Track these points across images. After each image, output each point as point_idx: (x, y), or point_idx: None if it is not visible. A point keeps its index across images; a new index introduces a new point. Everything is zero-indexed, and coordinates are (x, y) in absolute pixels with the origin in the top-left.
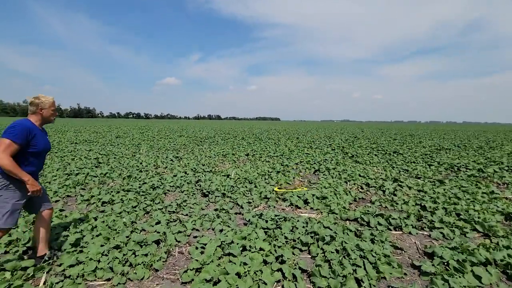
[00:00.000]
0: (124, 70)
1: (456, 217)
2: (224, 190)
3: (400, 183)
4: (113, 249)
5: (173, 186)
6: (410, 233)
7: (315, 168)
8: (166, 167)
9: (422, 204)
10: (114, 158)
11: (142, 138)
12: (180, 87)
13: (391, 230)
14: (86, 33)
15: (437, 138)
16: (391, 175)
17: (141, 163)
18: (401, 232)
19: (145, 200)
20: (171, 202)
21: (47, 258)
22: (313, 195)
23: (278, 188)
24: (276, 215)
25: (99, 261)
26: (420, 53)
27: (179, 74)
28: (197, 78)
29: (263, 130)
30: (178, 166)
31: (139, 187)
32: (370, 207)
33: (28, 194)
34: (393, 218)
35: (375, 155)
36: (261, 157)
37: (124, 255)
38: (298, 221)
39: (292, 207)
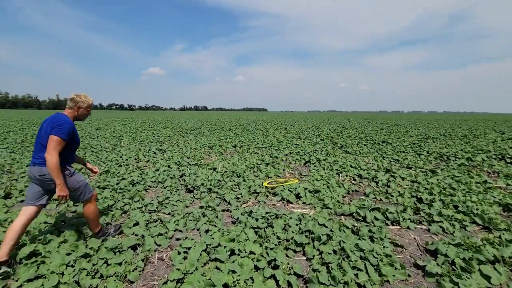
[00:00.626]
0: (106, 60)
1: (454, 209)
2: (211, 185)
3: (392, 174)
4: (81, 259)
5: (155, 181)
6: (408, 227)
7: (305, 160)
8: (148, 160)
9: (418, 196)
10: (92, 151)
11: (124, 130)
12: (165, 78)
13: (388, 225)
14: (65, 21)
15: (422, 127)
16: (382, 165)
17: (121, 157)
18: (399, 227)
19: (123, 198)
20: (152, 200)
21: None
22: (305, 188)
23: (268, 183)
24: (267, 212)
25: (62, 273)
26: (406, 44)
27: (164, 64)
28: (182, 68)
29: (251, 121)
30: (162, 159)
31: (117, 183)
32: (365, 200)
33: (54, 197)
34: (390, 212)
35: (365, 145)
36: (249, 148)
37: (93, 265)
38: (290, 218)
39: (283, 202)
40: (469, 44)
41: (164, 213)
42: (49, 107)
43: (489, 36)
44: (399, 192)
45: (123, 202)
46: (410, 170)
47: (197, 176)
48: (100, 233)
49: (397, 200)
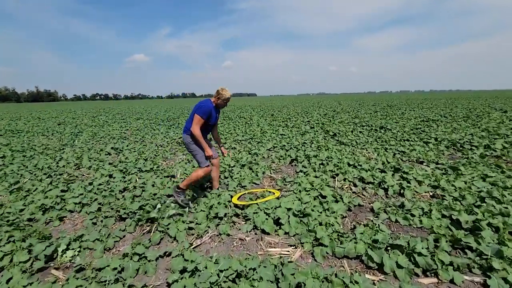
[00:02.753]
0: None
1: None
2: (155, 207)
3: (404, 175)
4: None
5: (79, 202)
6: (452, 282)
7: (291, 157)
8: (91, 166)
9: (453, 217)
10: (31, 154)
11: (91, 123)
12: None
13: (418, 275)
14: (39, 5)
15: (417, 108)
16: (387, 161)
17: (57, 162)
18: (435, 281)
19: (7, 242)
20: (52, 242)
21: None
22: (289, 209)
23: (238, 198)
24: (221, 271)
25: None
26: (395, 23)
27: (148, 50)
28: (168, 54)
29: (236, 108)
30: (110, 164)
31: (20, 211)
32: (376, 226)
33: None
34: (419, 254)
35: (360, 132)
36: (225, 142)
37: None
38: (261, 279)
39: (256, 233)
40: (456, 21)
41: (59, 268)
42: (29, 100)
43: (475, 12)
44: (421, 208)
45: (1, 251)
46: (425, 167)
47: (143, 191)
48: (179, 192)
49: (421, 221)
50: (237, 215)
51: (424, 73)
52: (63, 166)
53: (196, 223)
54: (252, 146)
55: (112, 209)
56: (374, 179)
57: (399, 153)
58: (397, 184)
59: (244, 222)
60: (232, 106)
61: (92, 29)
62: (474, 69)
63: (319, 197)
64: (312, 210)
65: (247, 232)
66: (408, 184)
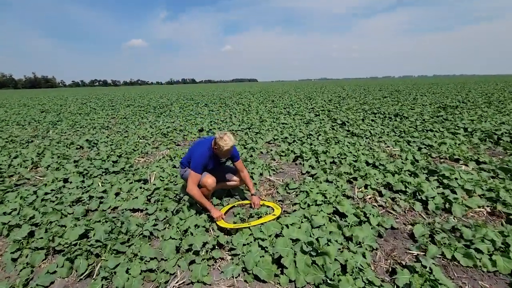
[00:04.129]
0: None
1: None
2: (109, 235)
3: (443, 179)
4: None
5: (7, 223)
6: None
7: (295, 153)
8: (50, 166)
9: None
10: None
11: (77, 111)
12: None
13: None
14: None
15: (428, 93)
16: (415, 159)
17: (13, 160)
18: None
19: None
20: None
21: None
22: (294, 241)
23: (223, 223)
24: None
25: None
26: (399, 5)
27: (146, 35)
28: (167, 39)
29: (235, 93)
30: (74, 162)
31: None
32: (428, 273)
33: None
34: None
35: (373, 120)
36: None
37: None
38: None
39: (246, 281)
40: (460, 3)
41: None
42: (27, 86)
43: None
44: (490, 240)
45: None
46: (466, 168)
47: (101, 203)
48: None
49: (494, 262)
50: (220, 245)
51: (427, 57)
52: (18, 165)
53: (162, 260)
54: (248, 138)
55: (50, 239)
56: (406, 186)
57: (426, 147)
58: (438, 196)
59: (230, 258)
60: (230, 92)
61: (89, 14)
62: (478, 53)
63: (335, 215)
64: (329, 242)
65: (232, 277)
66: (455, 196)
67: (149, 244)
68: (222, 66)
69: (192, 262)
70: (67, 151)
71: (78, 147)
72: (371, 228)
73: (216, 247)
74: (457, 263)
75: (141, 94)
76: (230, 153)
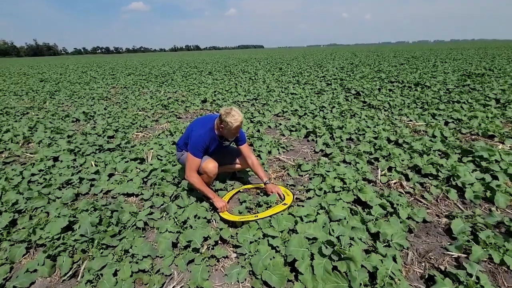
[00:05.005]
0: None
1: None
2: (96, 227)
3: (480, 161)
4: None
5: None
6: None
7: (307, 128)
8: (42, 141)
9: None
10: None
11: (76, 80)
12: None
13: None
14: None
15: (448, 59)
16: (443, 136)
17: (3, 134)
18: None
19: None
20: None
21: None
22: (311, 240)
23: (226, 214)
24: None
25: None
26: None
27: None
28: (167, 2)
29: (241, 61)
30: (68, 137)
31: None
32: (476, 283)
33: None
34: None
35: (391, 90)
36: (222, 105)
37: None
38: None
39: None
40: None
41: None
42: (29, 54)
43: None
44: None
45: None
46: (503, 146)
47: (91, 186)
48: None
49: None
50: (223, 240)
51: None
52: (9, 140)
53: (156, 257)
54: (255, 111)
55: (29, 226)
56: (437, 170)
57: (453, 122)
58: (477, 180)
59: (234, 256)
60: (236, 59)
61: None
62: (498, 17)
63: (356, 204)
64: (352, 241)
65: (238, 282)
66: (497, 182)
67: (143, 237)
68: (227, 32)
69: (191, 261)
70: (62, 124)
71: (74, 120)
72: (400, 222)
73: (219, 242)
74: (506, 269)
75: (143, 62)
76: (239, 132)
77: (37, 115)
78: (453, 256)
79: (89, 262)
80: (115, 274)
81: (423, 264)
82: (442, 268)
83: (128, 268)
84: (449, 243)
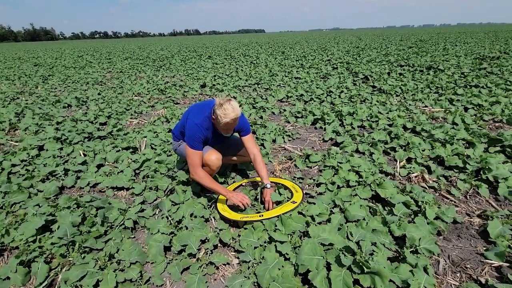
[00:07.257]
0: None
1: None
2: (78, 228)
3: (510, 151)
4: None
5: None
6: None
7: (314, 114)
8: (28, 128)
9: None
10: None
11: (72, 64)
12: None
13: None
14: None
15: (459, 43)
16: (465, 123)
17: None
18: None
19: None
20: None
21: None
22: (326, 246)
23: (226, 211)
24: None
25: None
26: None
27: None
28: None
29: (242, 45)
30: (57, 124)
31: None
32: None
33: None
34: None
35: (401, 74)
36: (222, 90)
37: None
38: None
39: None
40: None
41: None
42: (27, 39)
43: None
44: None
45: None
46: None
47: (78, 178)
48: None
49: None
50: (224, 244)
51: (450, 4)
52: None
53: (146, 263)
54: (257, 96)
55: (3, 226)
56: (464, 161)
57: (473, 108)
58: (510, 173)
59: (236, 263)
60: (236, 43)
61: None
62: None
63: (375, 202)
64: (374, 246)
65: None
66: None
67: (133, 237)
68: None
69: (186, 269)
70: (52, 110)
71: (66, 105)
72: (428, 223)
73: (219, 245)
74: None
75: (141, 46)
76: (232, 128)
77: (26, 100)
78: (494, 265)
79: (66, 272)
80: (96, 285)
81: (458, 274)
82: (482, 280)
83: (112, 278)
84: (485, 248)
